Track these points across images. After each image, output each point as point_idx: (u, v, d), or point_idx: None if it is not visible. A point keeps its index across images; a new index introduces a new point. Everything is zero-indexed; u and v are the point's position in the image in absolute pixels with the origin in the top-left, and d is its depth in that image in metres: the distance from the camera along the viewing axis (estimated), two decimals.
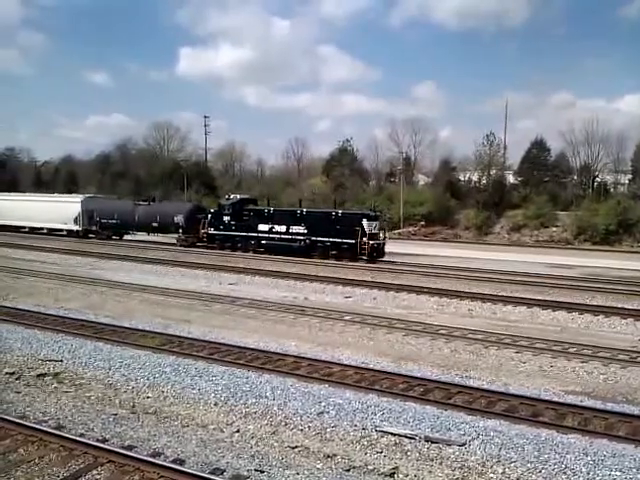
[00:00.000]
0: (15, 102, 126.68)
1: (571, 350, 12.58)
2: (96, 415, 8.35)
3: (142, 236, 39.99)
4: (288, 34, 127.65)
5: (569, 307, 17.44)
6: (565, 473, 6.88)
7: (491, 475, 6.87)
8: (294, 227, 32.03)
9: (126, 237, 41.09)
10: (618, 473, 6.87)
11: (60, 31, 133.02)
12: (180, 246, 35.92)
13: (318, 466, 6.97)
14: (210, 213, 35.80)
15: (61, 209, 41.92)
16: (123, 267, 25.43)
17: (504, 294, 19.60)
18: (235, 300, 17.59)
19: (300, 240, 31.69)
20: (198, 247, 35.41)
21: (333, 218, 31.32)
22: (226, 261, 28.04)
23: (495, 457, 7.24)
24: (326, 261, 29.37)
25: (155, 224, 37.90)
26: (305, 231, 31.63)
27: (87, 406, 8.76)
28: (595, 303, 18.45)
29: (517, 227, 52.70)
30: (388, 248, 31.68)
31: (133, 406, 8.84)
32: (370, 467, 7.00)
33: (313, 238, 31.29)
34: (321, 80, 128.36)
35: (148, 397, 9.24)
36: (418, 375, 10.50)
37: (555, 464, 7.05)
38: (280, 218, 32.81)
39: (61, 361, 10.86)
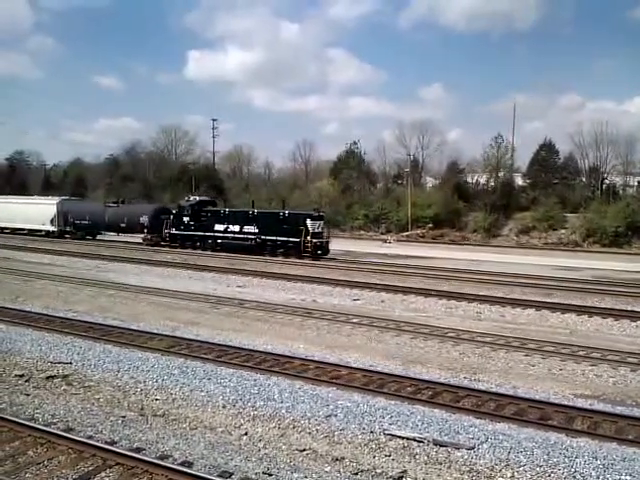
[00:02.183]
0: (25, 106, 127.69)
1: (580, 353, 12.52)
2: (105, 417, 8.37)
3: (111, 236, 41.88)
4: (296, 37, 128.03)
5: (578, 310, 17.35)
6: (575, 477, 6.84)
7: (500, 479, 6.84)
8: (247, 227, 34.02)
9: (100, 237, 42.59)
10: (628, 477, 6.82)
11: (70, 35, 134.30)
12: (146, 245, 37.52)
13: (326, 469, 6.96)
14: (172, 214, 37.42)
15: (39, 211, 43.94)
16: (131, 270, 25.51)
17: (513, 297, 19.52)
18: (243, 302, 17.61)
19: (252, 239, 33.69)
20: (162, 246, 36.96)
21: (281, 218, 33.21)
22: (233, 264, 28.05)
23: (504, 461, 7.20)
24: (274, 258, 31.43)
25: (123, 224, 39.63)
26: (256, 230, 33.59)
27: (96, 408, 8.78)
28: (604, 306, 18.34)
29: (525, 229, 52.47)
30: (394, 250, 31.75)
31: (142, 408, 8.86)
32: (378, 470, 6.98)
33: (263, 237, 33.31)
34: (329, 83, 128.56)
35: (156, 399, 9.26)
36: (426, 378, 10.47)
37: (564, 468, 7.01)
38: (234, 218, 34.79)
39: (70, 363, 10.91)
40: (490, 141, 59.16)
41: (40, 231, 44.11)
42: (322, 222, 33.49)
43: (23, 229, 44.99)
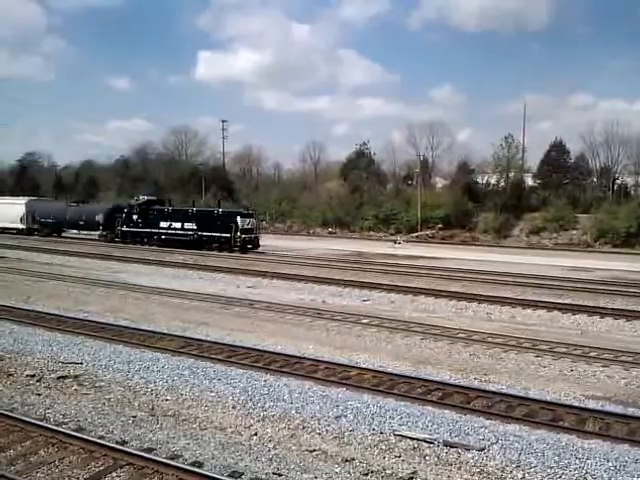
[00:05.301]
0: (37, 108, 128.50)
1: (592, 354, 12.43)
2: (116, 417, 8.41)
3: (74, 234, 44.78)
4: (307, 38, 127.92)
5: (589, 310, 17.24)
6: (586, 479, 6.80)
7: None
8: (187, 224, 37.00)
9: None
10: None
11: (81, 37, 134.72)
12: (103, 241, 40.13)
13: (336, 470, 6.96)
14: (124, 212, 40.00)
15: (10, 210, 47.01)
16: (142, 270, 25.61)
17: (523, 297, 19.42)
18: (253, 303, 17.63)
19: (191, 235, 36.74)
20: (116, 242, 39.23)
21: (215, 215, 36.55)
22: (243, 264, 28.11)
23: (515, 462, 7.17)
24: (208, 252, 34.22)
25: (82, 222, 42.98)
26: (195, 227, 36.61)
27: (107, 408, 8.83)
28: (616, 306, 18.20)
29: (536, 230, 52.19)
30: (404, 251, 31.77)
31: (152, 408, 8.89)
32: (388, 471, 6.97)
33: (200, 233, 36.25)
34: (339, 84, 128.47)
35: (167, 399, 9.29)
36: (436, 379, 10.43)
37: (576, 469, 6.97)
38: (177, 216, 37.85)
39: (81, 363, 10.97)
40: (500, 141, 58.97)
41: (12, 229, 46.68)
42: (252, 219, 36.89)
43: None
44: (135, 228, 39.13)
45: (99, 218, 41.33)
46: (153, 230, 38.30)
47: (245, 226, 35.38)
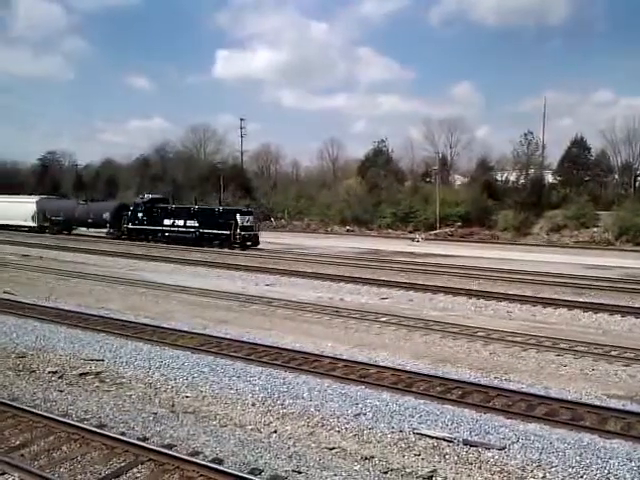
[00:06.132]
0: (58, 107, 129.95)
1: (613, 353, 12.30)
2: (136, 414, 8.49)
3: (84, 231, 46.71)
4: (325, 36, 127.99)
5: (611, 309, 17.04)
6: (608, 479, 6.73)
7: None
8: (189, 221, 38.26)
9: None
10: None
11: (101, 36, 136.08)
12: (110, 238, 41.61)
13: (356, 468, 6.96)
14: (130, 210, 41.52)
15: (22, 208, 48.92)
16: (162, 269, 25.82)
17: (544, 296, 19.25)
18: (271, 301, 17.68)
19: (193, 232, 37.85)
20: (122, 239, 40.73)
21: (216, 213, 37.73)
22: (262, 262, 28.20)
23: (535, 461, 7.12)
24: (210, 249, 35.03)
25: (90, 220, 44.86)
26: (197, 225, 37.77)
27: (128, 405, 8.91)
28: (638, 305, 17.99)
29: (557, 228, 51.65)
30: (423, 249, 31.66)
31: (172, 405, 8.96)
32: (408, 470, 6.96)
33: (202, 230, 37.36)
34: (357, 81, 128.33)
35: (187, 397, 9.36)
36: (456, 377, 10.39)
37: (598, 469, 6.90)
38: (179, 214, 39.07)
39: (102, 360, 11.08)
40: (520, 138, 58.46)
41: (24, 227, 48.49)
42: (251, 217, 37.56)
43: (10, 225, 49.00)
44: (140, 225, 40.41)
45: (106, 216, 42.89)
46: (157, 227, 39.48)
47: (245, 223, 36.16)
